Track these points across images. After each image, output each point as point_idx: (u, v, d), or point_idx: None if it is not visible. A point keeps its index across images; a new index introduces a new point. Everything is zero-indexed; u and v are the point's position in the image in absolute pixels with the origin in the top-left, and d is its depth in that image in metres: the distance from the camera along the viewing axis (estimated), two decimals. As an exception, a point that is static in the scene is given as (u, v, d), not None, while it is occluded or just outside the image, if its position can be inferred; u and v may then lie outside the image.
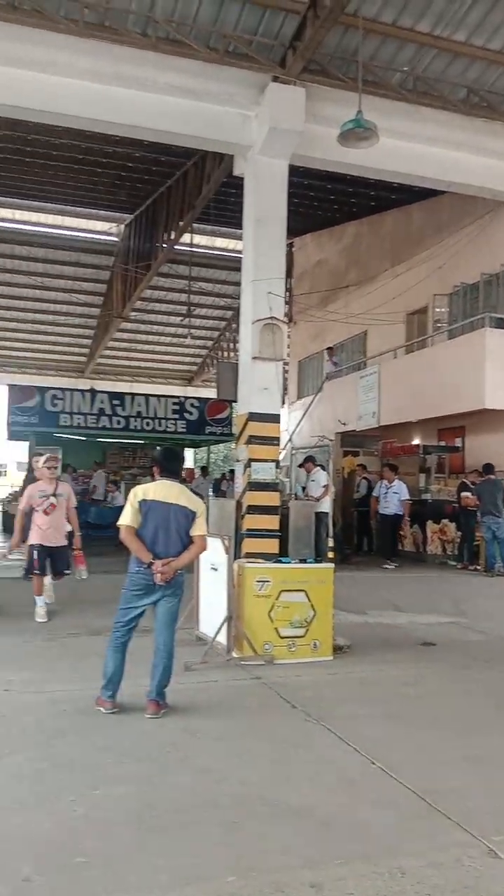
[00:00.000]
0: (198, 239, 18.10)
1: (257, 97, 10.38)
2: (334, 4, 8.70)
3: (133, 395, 18.31)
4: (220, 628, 6.72)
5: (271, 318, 10.51)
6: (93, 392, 18.00)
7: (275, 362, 10.70)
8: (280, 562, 7.76)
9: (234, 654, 6.73)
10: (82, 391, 17.99)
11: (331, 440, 15.21)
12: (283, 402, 14.82)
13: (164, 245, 16.82)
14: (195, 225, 16.32)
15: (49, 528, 8.26)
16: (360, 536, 15.78)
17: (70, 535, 8.56)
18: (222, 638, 6.74)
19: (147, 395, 18.64)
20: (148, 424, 17.64)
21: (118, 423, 17.27)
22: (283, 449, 13.79)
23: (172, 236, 16.34)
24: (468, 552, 12.97)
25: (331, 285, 20.44)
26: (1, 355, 26.92)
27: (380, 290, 17.74)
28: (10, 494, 19.72)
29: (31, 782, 3.97)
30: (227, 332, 25.93)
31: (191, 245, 17.75)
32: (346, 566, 11.74)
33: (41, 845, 3.29)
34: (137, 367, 29.87)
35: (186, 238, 16.78)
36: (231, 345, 25.45)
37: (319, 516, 11.92)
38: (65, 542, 8.47)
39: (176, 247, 16.87)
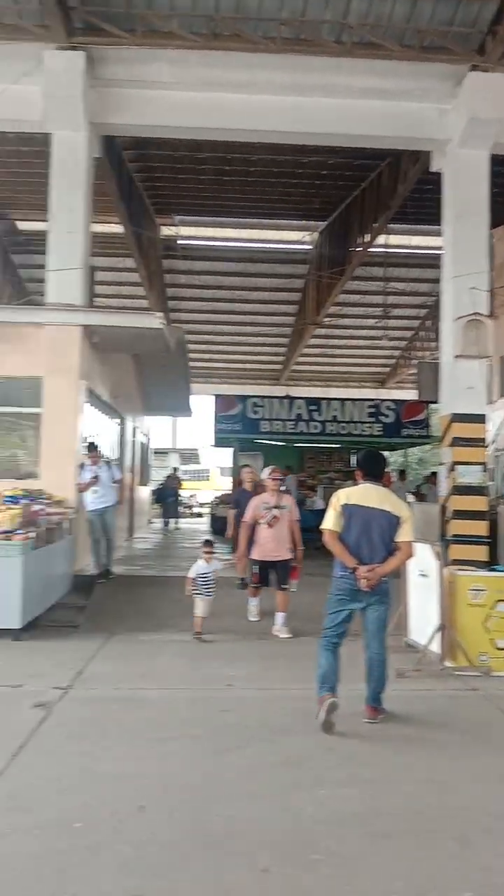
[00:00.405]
0: (393, 239, 17.87)
1: (453, 89, 10.10)
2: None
3: (329, 399, 18.43)
4: (432, 637, 6.58)
5: (475, 314, 10.14)
6: (290, 399, 18.39)
7: (479, 360, 10.30)
8: (494, 570, 7.45)
9: (448, 664, 6.56)
10: (280, 398, 18.46)
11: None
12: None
13: (359, 248, 16.81)
14: (390, 225, 16.14)
15: (271, 542, 8.16)
16: None
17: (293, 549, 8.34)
18: (435, 647, 6.60)
19: (342, 400, 18.68)
20: (343, 428, 17.66)
21: (315, 427, 17.49)
22: (488, 450, 13.19)
23: (367, 239, 16.29)
24: None
25: (535, 275, 19.23)
26: (204, 367, 28.33)
27: None
28: (216, 498, 20.67)
29: (261, 776, 4.14)
30: (422, 331, 25.32)
31: (385, 246, 17.58)
32: None
33: (275, 838, 3.42)
34: (330, 371, 30.05)
35: (380, 239, 16.65)
36: (426, 344, 24.81)
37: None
38: (287, 556, 8.23)
39: (370, 249, 16.82)
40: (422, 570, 7.06)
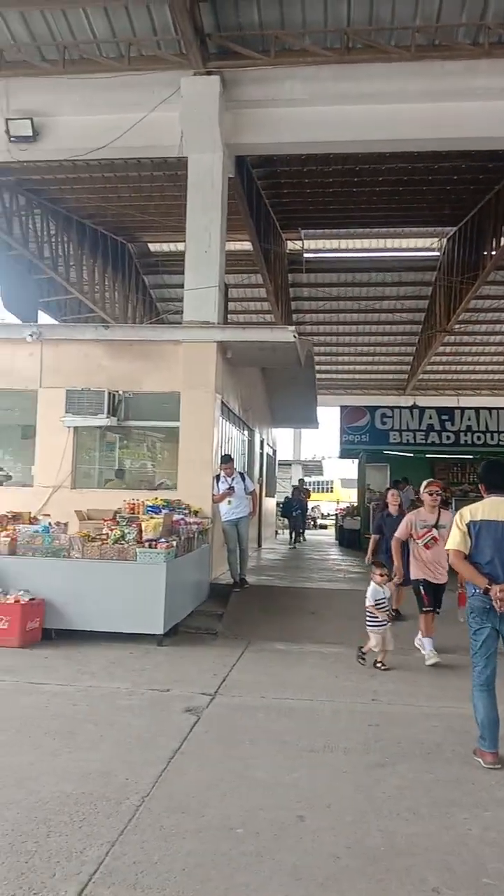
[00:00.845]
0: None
1: None
2: None
3: (463, 409, 17.94)
4: None
5: None
6: (420, 409, 18.07)
7: None
8: None
9: None
10: (410, 408, 18.16)
11: None
12: None
13: (493, 252, 16.29)
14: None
15: (432, 563, 7.54)
16: None
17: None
18: None
19: (478, 409, 18.11)
20: (479, 438, 17.12)
21: (447, 438, 17.07)
22: None
23: (502, 242, 15.75)
24: None
25: None
26: (328, 379, 28.34)
27: None
28: (343, 510, 20.59)
29: (417, 793, 4.07)
30: None
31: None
32: None
33: (441, 858, 3.34)
34: (461, 379, 29.24)
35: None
36: None
37: None
38: (445, 580, 7.59)
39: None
40: None
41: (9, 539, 8.02)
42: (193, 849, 3.37)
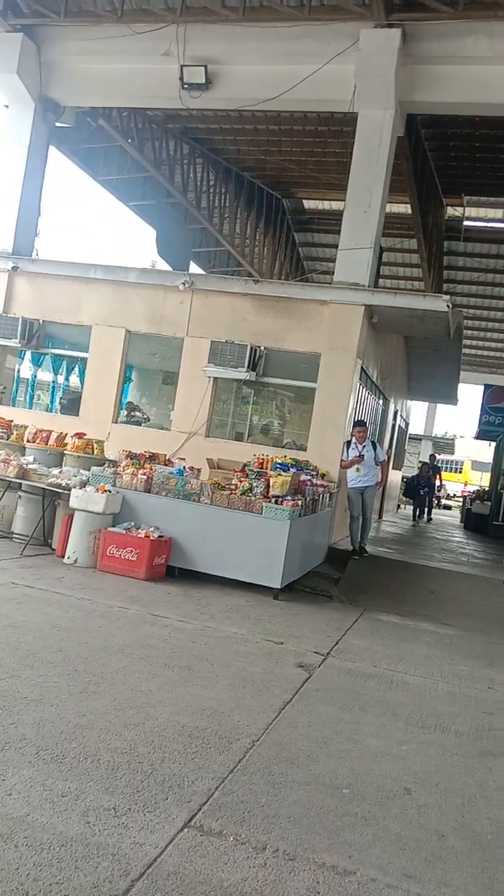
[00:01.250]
0: None
1: None
2: None
3: None
4: None
5: None
6: None
7: None
8: None
9: None
10: None
11: None
12: None
13: None
14: None
15: None
16: None
17: None
18: None
19: None
20: None
21: None
22: None
23: None
24: None
25: None
26: (475, 355, 27.24)
27: None
28: (473, 493, 19.93)
29: (531, 790, 3.94)
30: None
31: None
32: None
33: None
34: None
35: None
36: None
37: None
38: None
39: None
40: None
41: (146, 477, 8.36)
42: (299, 799, 3.44)
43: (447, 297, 10.02)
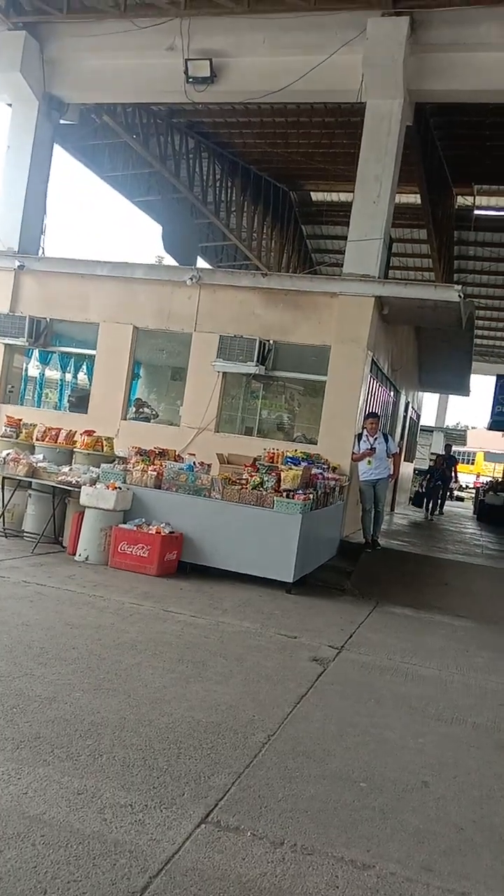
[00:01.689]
0: None
1: None
2: None
3: None
4: None
5: None
6: None
7: None
8: None
9: None
10: None
11: None
12: None
13: None
14: None
15: None
16: None
17: None
18: None
19: None
20: None
21: None
22: None
23: None
24: None
25: None
26: (485, 345, 27.08)
27: None
28: (486, 484, 19.81)
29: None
30: None
31: None
32: None
33: None
34: None
35: None
36: None
37: None
38: None
39: None
40: None
41: (156, 473, 8.35)
42: (316, 794, 3.42)
43: (459, 286, 9.95)
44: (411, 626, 7.22)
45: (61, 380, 13.21)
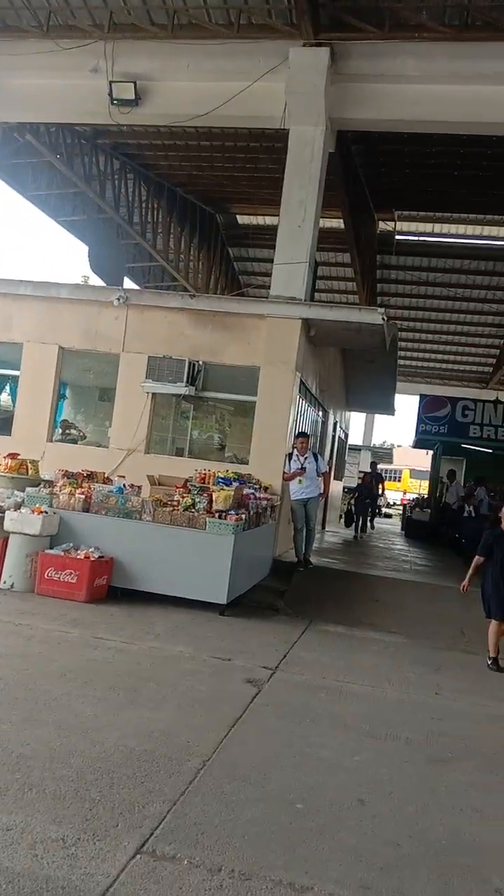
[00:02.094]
0: None
1: None
2: None
3: (551, 407, 17.31)
4: None
5: None
6: (503, 404, 17.53)
7: None
8: None
9: None
10: (494, 403, 17.63)
11: None
12: None
13: None
14: None
15: None
16: None
17: None
18: None
19: None
20: None
21: (533, 437, 16.52)
22: None
23: None
24: None
25: None
26: (408, 366, 27.83)
27: None
28: (412, 501, 20.24)
29: (482, 793, 3.99)
30: None
31: None
32: None
33: (504, 860, 3.26)
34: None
35: None
36: None
37: None
38: None
39: None
40: None
41: (84, 496, 8.19)
42: (254, 817, 3.38)
43: (382, 309, 10.20)
44: (344, 644, 7.27)
45: (-17, 402, 12.84)
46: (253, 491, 9.10)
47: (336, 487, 19.64)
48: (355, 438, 33.45)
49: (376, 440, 38.83)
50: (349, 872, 3.00)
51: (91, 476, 9.13)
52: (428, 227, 18.17)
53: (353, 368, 16.38)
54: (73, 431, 12.08)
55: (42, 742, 3.89)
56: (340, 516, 20.25)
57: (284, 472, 10.23)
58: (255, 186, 16.67)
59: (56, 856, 2.85)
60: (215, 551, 7.73)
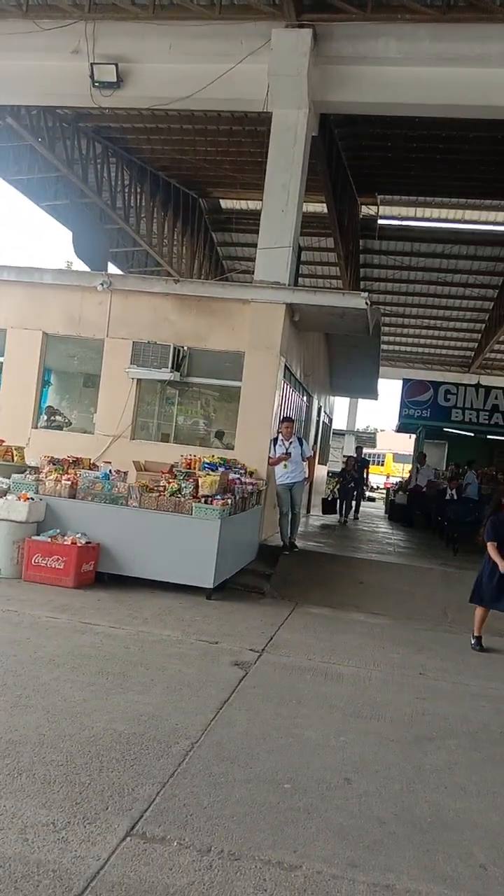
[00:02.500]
0: None
1: None
2: None
3: (533, 391, 17.45)
4: None
5: None
6: (487, 388, 17.64)
7: None
8: None
9: None
10: (476, 387, 17.74)
11: None
12: None
13: None
14: None
15: None
16: None
17: None
18: None
19: (549, 393, 17.56)
20: (549, 423, 16.65)
21: (514, 420, 16.66)
22: None
23: None
24: None
25: None
26: (391, 350, 27.89)
27: None
28: (396, 484, 20.36)
29: (465, 770, 4.06)
30: None
31: None
32: None
33: (488, 836, 3.34)
34: (531, 361, 28.49)
35: None
36: None
37: None
38: None
39: None
40: None
41: (70, 482, 8.18)
42: (242, 798, 3.43)
43: (365, 294, 10.21)
44: (330, 626, 7.34)
45: (-33, 389, 12.71)
46: (239, 476, 9.13)
47: (320, 472, 19.72)
48: (339, 423, 33.57)
49: (360, 425, 39.01)
50: (336, 850, 3.06)
51: (77, 462, 9.11)
52: (410, 211, 18.14)
53: (337, 353, 16.40)
54: (58, 418, 12.03)
55: (31, 727, 3.91)
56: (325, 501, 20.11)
57: (270, 457, 10.26)
58: (238, 170, 16.55)
59: (46, 840, 2.89)
60: (202, 536, 7.76)
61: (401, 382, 19.00)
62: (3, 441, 9.20)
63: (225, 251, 22.60)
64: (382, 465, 37.76)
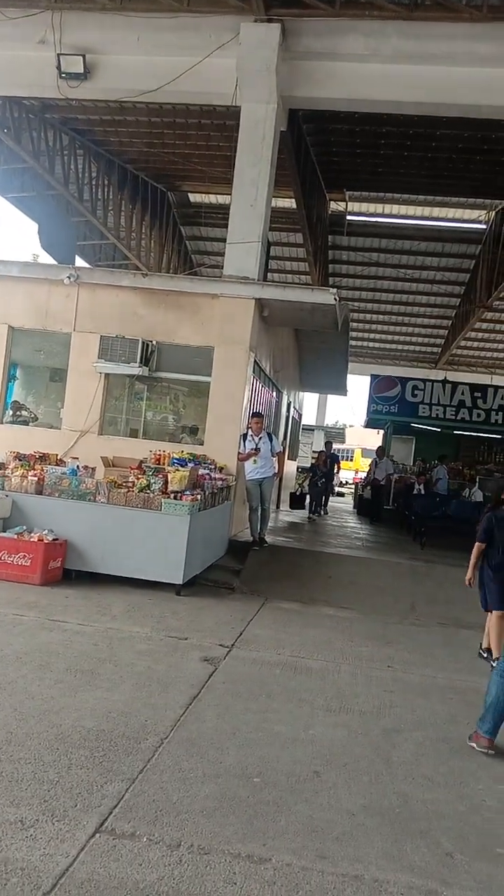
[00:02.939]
0: None
1: None
2: None
3: (497, 387, 17.68)
4: None
5: None
6: (453, 384, 17.85)
7: None
8: None
9: None
10: (443, 383, 17.93)
11: None
12: None
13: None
14: None
15: None
16: None
17: None
18: None
19: (514, 388, 17.81)
20: (513, 418, 16.90)
21: (478, 416, 16.87)
22: None
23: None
24: None
25: None
26: (359, 346, 28.05)
27: None
28: (364, 479, 20.46)
29: (432, 761, 4.12)
30: None
31: None
32: None
33: (455, 825, 3.39)
34: (497, 357, 28.78)
35: None
36: None
37: None
38: None
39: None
40: None
41: (37, 478, 8.09)
42: (212, 793, 3.43)
43: (334, 290, 10.25)
44: (299, 621, 7.38)
45: None
46: (208, 471, 9.11)
47: (290, 468, 19.76)
48: (309, 418, 33.67)
49: (329, 420, 39.16)
50: (306, 843, 3.09)
51: (43, 458, 9.02)
52: (378, 207, 18.26)
53: (306, 349, 16.45)
54: (24, 413, 11.87)
55: (-2, 726, 3.87)
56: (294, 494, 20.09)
57: (239, 453, 10.26)
58: (206, 164, 16.49)
59: (15, 837, 2.86)
60: (171, 532, 7.74)
61: (369, 378, 19.13)
62: (-32, 437, 9.06)
63: (194, 245, 22.51)
64: (351, 460, 38.07)
